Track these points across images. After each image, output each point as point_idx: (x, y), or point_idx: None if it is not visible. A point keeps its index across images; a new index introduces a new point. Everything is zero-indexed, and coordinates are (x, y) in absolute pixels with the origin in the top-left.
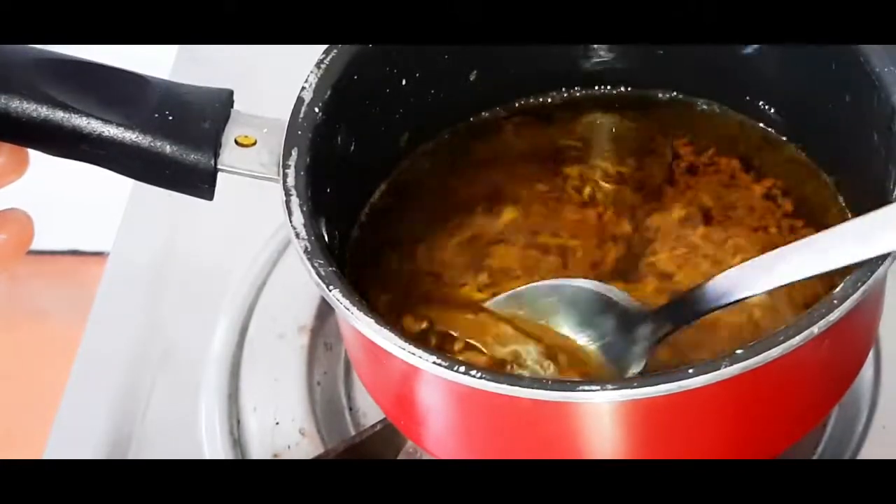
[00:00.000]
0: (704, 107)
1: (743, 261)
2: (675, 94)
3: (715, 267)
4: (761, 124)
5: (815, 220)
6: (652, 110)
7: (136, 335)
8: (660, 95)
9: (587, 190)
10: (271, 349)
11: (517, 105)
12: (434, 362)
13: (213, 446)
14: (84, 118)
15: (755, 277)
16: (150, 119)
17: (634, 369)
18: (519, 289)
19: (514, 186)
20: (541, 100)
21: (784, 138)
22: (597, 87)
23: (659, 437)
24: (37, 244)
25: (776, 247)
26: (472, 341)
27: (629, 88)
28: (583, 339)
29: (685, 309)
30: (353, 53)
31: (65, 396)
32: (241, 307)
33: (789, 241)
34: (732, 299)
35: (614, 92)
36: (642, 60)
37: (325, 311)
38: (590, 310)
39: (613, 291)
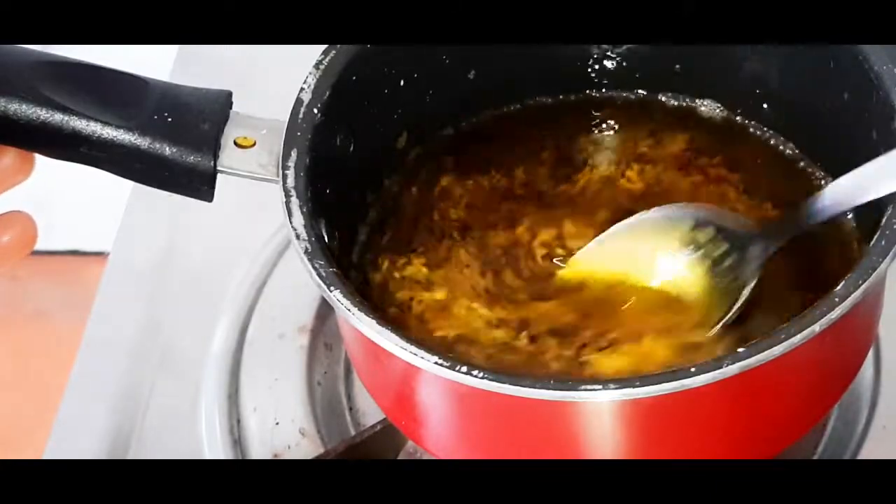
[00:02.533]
0: (703, 108)
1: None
2: (673, 93)
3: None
4: (760, 123)
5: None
6: (651, 110)
7: (136, 335)
8: (659, 97)
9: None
10: (271, 349)
11: (516, 105)
12: (436, 362)
13: (213, 446)
14: (83, 120)
15: (872, 182)
16: (149, 121)
17: (747, 289)
18: (614, 228)
19: (512, 186)
20: (539, 100)
21: (782, 137)
22: (596, 87)
23: (660, 437)
24: (37, 244)
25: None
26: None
27: (628, 88)
28: (688, 265)
29: (797, 220)
30: (351, 54)
31: (65, 396)
32: (241, 307)
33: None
34: (848, 206)
35: (613, 91)
36: (641, 60)
37: (325, 311)
38: (691, 235)
39: (716, 212)
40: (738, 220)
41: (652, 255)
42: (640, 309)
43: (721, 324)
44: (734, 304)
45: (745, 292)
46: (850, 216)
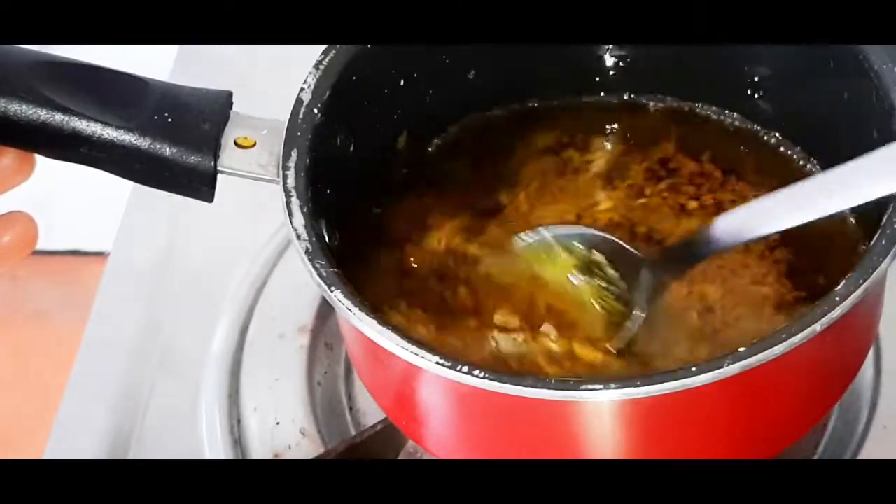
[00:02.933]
0: (702, 110)
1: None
2: (671, 94)
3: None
4: (759, 125)
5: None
6: (649, 111)
7: (136, 335)
8: (658, 98)
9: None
10: (271, 349)
11: (516, 105)
12: (437, 362)
13: (213, 446)
14: (84, 121)
15: (760, 219)
16: (149, 121)
17: (634, 321)
18: (530, 237)
19: (512, 186)
20: (540, 100)
21: (782, 137)
22: (597, 88)
23: (660, 437)
24: (37, 244)
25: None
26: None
27: (628, 89)
28: (580, 286)
29: (687, 254)
30: (351, 54)
31: (65, 396)
32: (241, 307)
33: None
34: (735, 242)
35: (614, 91)
36: (640, 60)
37: (325, 311)
38: (584, 257)
39: (607, 239)
40: (627, 251)
41: (556, 270)
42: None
43: (615, 345)
44: (627, 327)
45: (635, 321)
46: (851, 218)
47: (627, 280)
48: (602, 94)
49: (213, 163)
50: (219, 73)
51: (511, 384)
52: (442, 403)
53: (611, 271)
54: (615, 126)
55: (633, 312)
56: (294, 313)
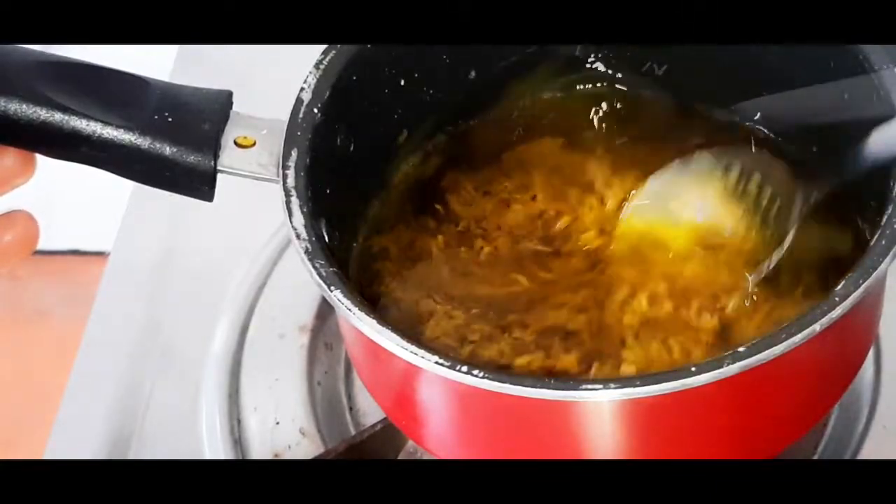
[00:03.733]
0: (703, 109)
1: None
2: (671, 93)
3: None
4: (758, 125)
5: (815, 219)
6: (650, 111)
7: (136, 335)
8: (658, 98)
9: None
10: (271, 349)
11: (516, 105)
12: (437, 362)
13: (213, 446)
14: (84, 120)
15: None
16: (149, 121)
17: (789, 235)
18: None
19: (513, 187)
20: (540, 99)
21: (782, 137)
22: (596, 88)
23: (660, 437)
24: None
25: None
26: None
27: (627, 87)
28: (736, 212)
29: (840, 166)
30: (352, 54)
31: (65, 396)
32: (241, 307)
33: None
34: (890, 154)
35: (614, 90)
36: (640, 59)
37: (325, 311)
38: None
39: (759, 158)
40: (780, 168)
41: (695, 204)
42: (684, 261)
43: (765, 269)
44: (775, 251)
45: (788, 238)
46: (851, 216)
47: (779, 198)
48: (602, 92)
49: (212, 162)
50: (219, 73)
51: (511, 384)
52: (442, 403)
53: (766, 191)
54: (616, 123)
55: (784, 238)
56: (294, 313)
